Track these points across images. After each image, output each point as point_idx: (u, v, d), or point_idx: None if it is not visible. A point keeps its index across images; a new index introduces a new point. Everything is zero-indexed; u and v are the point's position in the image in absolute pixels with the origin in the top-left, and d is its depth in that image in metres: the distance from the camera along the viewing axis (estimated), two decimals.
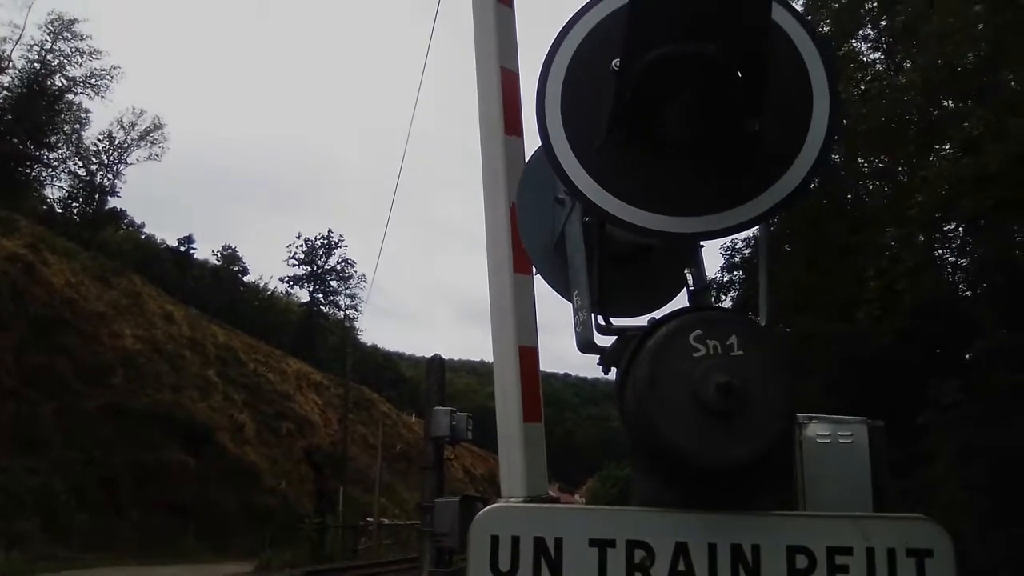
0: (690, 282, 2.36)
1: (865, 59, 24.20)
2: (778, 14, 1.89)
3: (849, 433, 2.42)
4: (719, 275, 27.85)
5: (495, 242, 3.76)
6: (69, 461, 25.57)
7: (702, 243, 2.29)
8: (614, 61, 1.78)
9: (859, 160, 23.97)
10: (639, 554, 1.76)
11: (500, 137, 3.78)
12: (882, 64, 24.07)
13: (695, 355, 1.72)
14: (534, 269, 3.39)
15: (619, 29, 1.77)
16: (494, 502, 2.32)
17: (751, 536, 1.76)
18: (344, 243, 78.34)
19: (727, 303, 25.78)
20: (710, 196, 1.84)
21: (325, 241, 77.88)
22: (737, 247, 25.74)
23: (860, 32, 23.85)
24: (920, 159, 18.86)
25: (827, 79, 1.89)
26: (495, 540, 1.79)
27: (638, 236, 2.01)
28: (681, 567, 1.75)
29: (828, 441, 2.41)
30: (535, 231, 2.71)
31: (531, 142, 3.29)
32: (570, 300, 2.36)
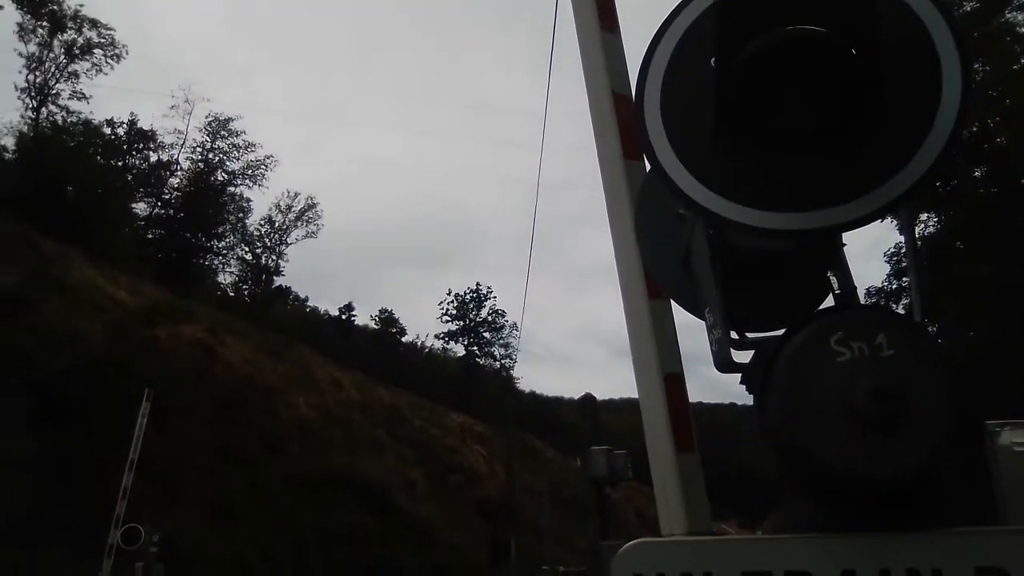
0: (835, 286, 2.18)
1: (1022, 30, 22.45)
2: None
3: None
4: (886, 283, 26.26)
5: (626, 271, 3.65)
6: (259, 528, 27.08)
7: (844, 242, 2.12)
8: (712, 59, 1.68)
9: None
10: None
11: (620, 164, 3.69)
12: None
13: (839, 360, 1.56)
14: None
15: (714, 25, 1.68)
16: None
17: (931, 559, 1.54)
18: (493, 294, 79.53)
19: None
20: (836, 186, 1.68)
21: (475, 295, 79.61)
22: (903, 251, 24.13)
23: (1015, 1, 22.19)
24: None
25: (954, 41, 1.70)
26: None
27: (762, 239, 1.87)
28: None
29: None
30: (658, 254, 2.59)
31: None
32: (703, 319, 2.23)
